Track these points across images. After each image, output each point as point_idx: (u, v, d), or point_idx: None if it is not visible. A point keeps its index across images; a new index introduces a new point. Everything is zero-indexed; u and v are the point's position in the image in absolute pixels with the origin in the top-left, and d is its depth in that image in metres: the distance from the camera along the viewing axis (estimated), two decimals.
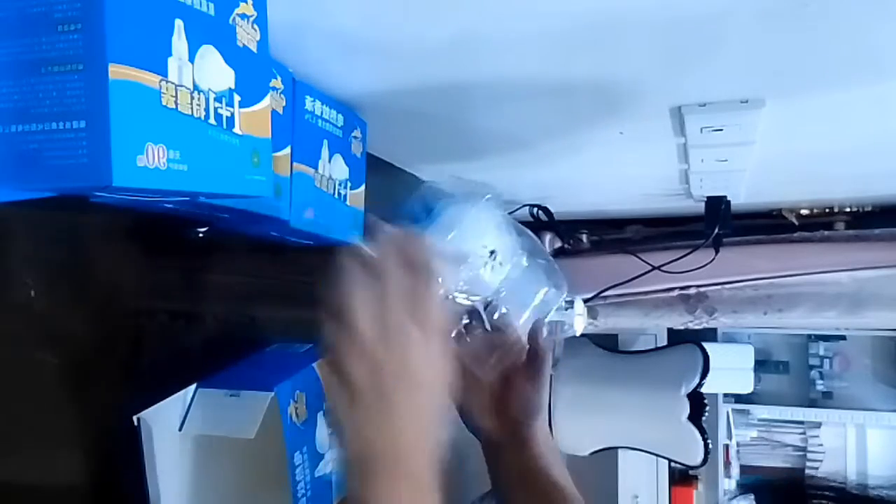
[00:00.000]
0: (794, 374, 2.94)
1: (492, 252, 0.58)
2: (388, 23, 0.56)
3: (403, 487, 0.45)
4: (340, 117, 0.70)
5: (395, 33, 0.58)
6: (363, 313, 0.45)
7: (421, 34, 0.58)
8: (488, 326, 0.62)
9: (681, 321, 1.40)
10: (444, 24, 0.56)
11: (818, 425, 2.87)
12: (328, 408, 0.48)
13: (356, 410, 0.45)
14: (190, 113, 0.40)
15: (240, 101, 0.44)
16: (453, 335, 0.59)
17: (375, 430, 0.45)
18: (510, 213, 0.63)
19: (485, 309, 0.60)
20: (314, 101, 0.65)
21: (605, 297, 1.39)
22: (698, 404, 1.55)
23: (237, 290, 0.69)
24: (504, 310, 0.62)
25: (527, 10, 0.53)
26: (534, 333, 0.65)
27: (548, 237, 1.48)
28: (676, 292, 1.37)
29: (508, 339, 0.64)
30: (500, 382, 0.66)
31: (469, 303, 0.60)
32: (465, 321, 0.61)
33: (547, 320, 1.14)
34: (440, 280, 0.49)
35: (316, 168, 0.66)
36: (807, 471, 2.83)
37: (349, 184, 0.71)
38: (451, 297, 0.57)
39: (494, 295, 0.60)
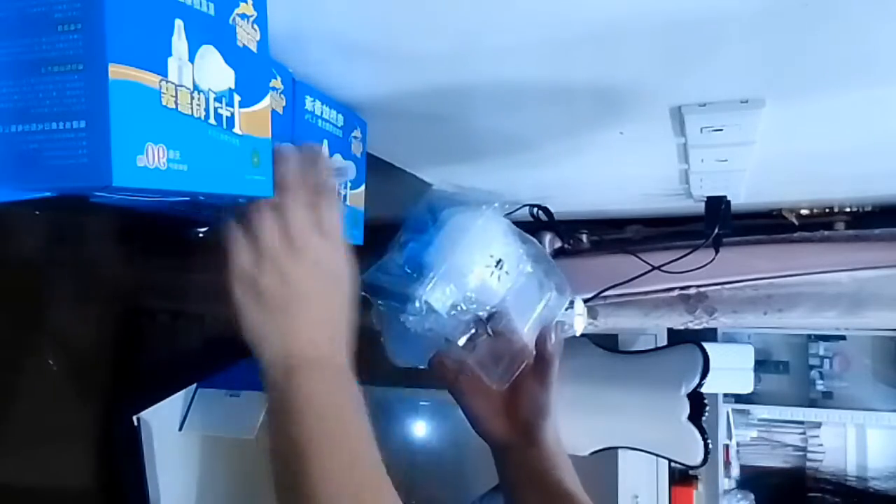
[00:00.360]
0: (794, 374, 2.94)
1: (498, 261, 0.59)
2: (388, 26, 0.56)
3: (327, 377, 0.49)
4: (340, 117, 0.70)
5: (395, 37, 0.58)
6: (269, 227, 0.49)
7: (421, 38, 0.58)
8: (494, 334, 0.62)
9: (681, 321, 1.40)
10: (444, 29, 0.56)
11: (818, 425, 2.86)
12: (234, 317, 0.50)
13: (270, 315, 0.49)
14: (190, 113, 0.40)
15: (240, 101, 0.44)
16: (461, 343, 0.59)
17: (292, 330, 0.49)
18: (510, 214, 0.63)
19: (490, 318, 0.61)
20: (314, 101, 0.65)
21: (605, 297, 1.39)
22: (698, 404, 1.55)
23: None
24: (510, 317, 0.62)
25: (527, 16, 0.53)
26: (541, 339, 0.66)
27: (548, 237, 1.48)
28: (676, 292, 1.37)
29: (515, 345, 0.65)
30: (509, 386, 0.67)
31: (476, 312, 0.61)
32: (472, 330, 0.61)
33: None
34: (338, 193, 0.54)
35: None
36: (807, 471, 2.83)
37: (349, 184, 0.71)
38: (458, 307, 0.58)
39: (500, 303, 0.61)
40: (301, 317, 0.49)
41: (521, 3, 0.51)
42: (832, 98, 0.72)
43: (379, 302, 0.59)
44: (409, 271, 0.57)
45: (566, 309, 1.24)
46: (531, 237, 0.67)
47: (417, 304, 0.56)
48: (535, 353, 0.67)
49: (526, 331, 0.64)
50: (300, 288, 0.49)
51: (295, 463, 0.46)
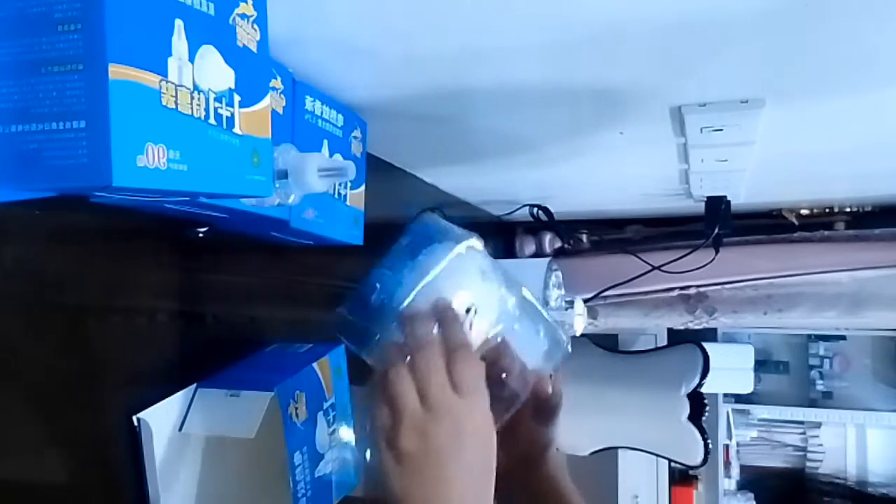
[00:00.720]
0: (794, 374, 2.95)
1: (468, 309, 0.55)
2: (388, 28, 0.56)
3: None
4: (340, 117, 0.70)
5: (395, 38, 0.58)
6: (406, 389, 0.50)
7: (422, 39, 0.58)
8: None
9: (681, 321, 1.40)
10: (445, 30, 0.56)
11: (818, 425, 2.87)
12: (380, 479, 0.51)
13: (412, 478, 0.50)
14: (190, 113, 0.40)
15: (240, 101, 0.44)
16: None
17: (435, 493, 0.50)
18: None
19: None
20: (314, 101, 0.65)
21: (605, 297, 1.39)
22: (698, 404, 1.55)
23: (237, 290, 0.69)
24: (493, 363, 0.57)
25: (527, 18, 0.53)
26: (540, 385, 0.64)
27: (548, 237, 1.48)
28: (676, 292, 1.37)
29: (503, 391, 0.63)
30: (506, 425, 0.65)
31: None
32: None
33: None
34: (472, 346, 0.53)
35: None
36: (807, 471, 2.83)
37: (349, 184, 0.71)
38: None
39: (482, 348, 0.57)
40: (443, 479, 0.49)
41: (521, 4, 0.51)
42: (832, 98, 0.72)
43: (342, 336, 0.57)
44: (376, 307, 0.55)
45: (566, 309, 1.24)
46: (523, 284, 0.62)
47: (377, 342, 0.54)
48: (533, 395, 0.64)
49: (516, 376, 0.61)
50: (441, 450, 0.49)
51: None
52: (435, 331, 0.52)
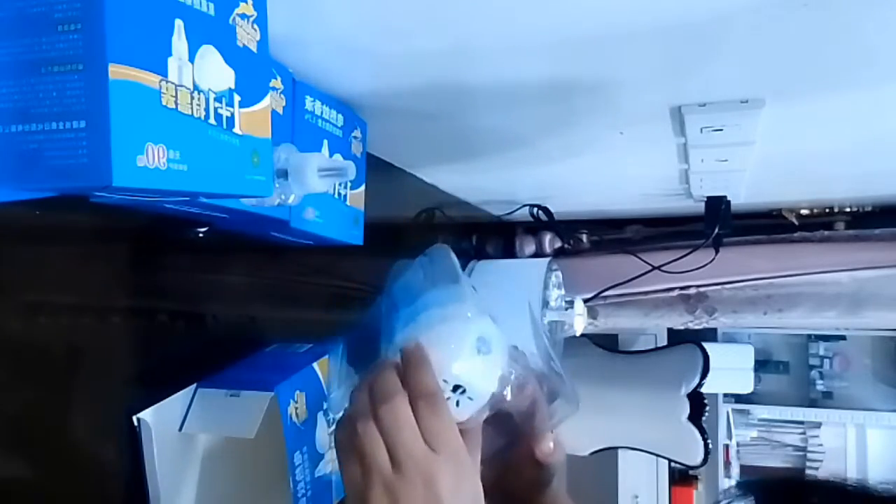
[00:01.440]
0: (794, 374, 2.95)
1: (456, 387, 0.48)
2: (388, 27, 0.56)
3: None
4: (340, 117, 0.70)
5: (395, 38, 0.58)
6: (372, 442, 0.46)
7: (422, 39, 0.58)
8: None
9: (681, 321, 1.40)
10: (444, 31, 0.56)
11: (818, 425, 2.87)
12: None
13: None
14: (190, 113, 0.40)
15: (240, 101, 0.44)
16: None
17: None
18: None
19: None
20: (314, 101, 0.65)
21: (605, 297, 1.39)
22: (698, 404, 1.55)
23: (237, 290, 0.69)
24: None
25: (527, 17, 0.53)
26: (543, 441, 0.60)
27: (548, 237, 1.48)
28: (676, 292, 1.37)
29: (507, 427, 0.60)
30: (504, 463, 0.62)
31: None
32: None
33: (547, 321, 1.13)
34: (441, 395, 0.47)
35: None
36: (807, 471, 2.83)
37: (349, 184, 0.71)
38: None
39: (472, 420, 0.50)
40: None
41: (521, 4, 0.51)
42: (832, 98, 0.72)
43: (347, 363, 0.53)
44: (366, 345, 0.50)
45: (566, 309, 1.24)
46: (525, 352, 0.54)
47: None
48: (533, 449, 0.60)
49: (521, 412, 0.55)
50: None
51: None
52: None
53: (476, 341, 0.48)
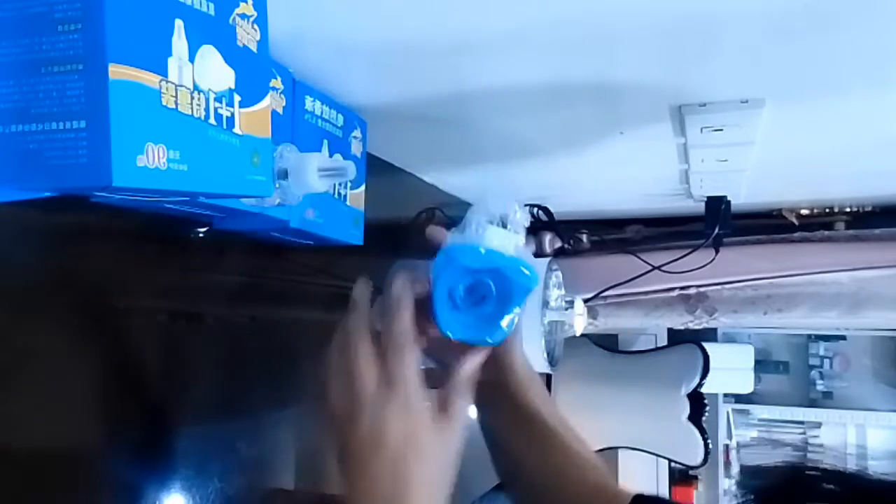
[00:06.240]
0: (794, 374, 2.95)
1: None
2: (388, 28, 0.56)
3: None
4: (340, 117, 0.70)
5: (395, 39, 0.58)
6: (335, 387, 0.48)
7: (421, 39, 0.58)
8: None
9: (681, 321, 1.40)
10: (445, 31, 0.56)
11: (818, 425, 2.87)
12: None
13: (340, 475, 0.47)
14: (190, 113, 0.40)
15: (240, 101, 0.44)
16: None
17: (355, 494, 0.47)
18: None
19: None
20: (314, 101, 0.65)
21: (605, 297, 1.39)
22: (698, 404, 1.55)
23: (237, 290, 0.69)
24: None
25: (527, 17, 0.53)
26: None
27: (548, 237, 1.48)
28: (676, 292, 1.37)
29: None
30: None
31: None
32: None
33: (547, 321, 1.13)
34: (410, 352, 0.49)
35: None
36: (807, 471, 2.83)
37: (349, 184, 0.71)
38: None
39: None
40: (360, 484, 0.46)
41: (521, 4, 0.51)
42: (832, 98, 0.72)
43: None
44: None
45: (566, 309, 1.24)
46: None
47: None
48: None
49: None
50: (356, 454, 0.47)
51: None
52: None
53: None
